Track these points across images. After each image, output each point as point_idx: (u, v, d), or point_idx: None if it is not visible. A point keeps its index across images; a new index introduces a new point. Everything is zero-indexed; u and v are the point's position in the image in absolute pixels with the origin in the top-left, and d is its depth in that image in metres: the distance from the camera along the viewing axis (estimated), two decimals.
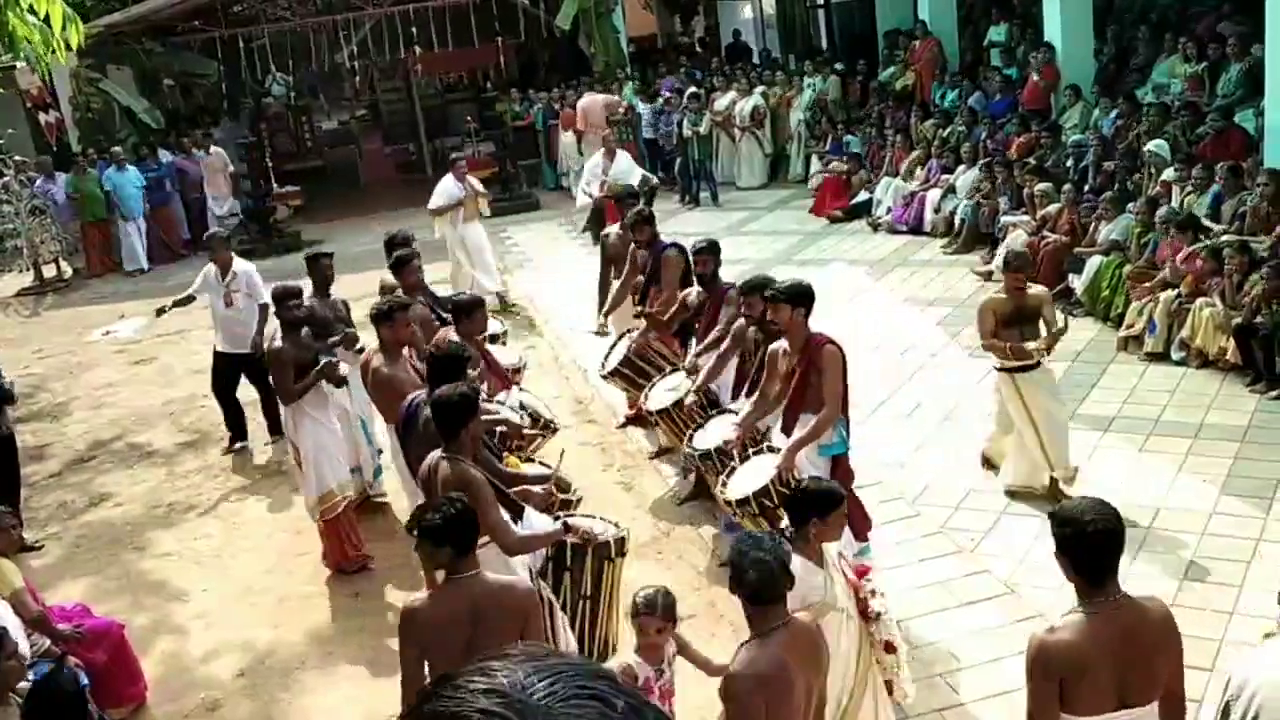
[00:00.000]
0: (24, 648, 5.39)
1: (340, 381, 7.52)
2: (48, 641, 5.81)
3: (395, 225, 17.90)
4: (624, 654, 4.86)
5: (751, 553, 3.81)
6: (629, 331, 8.21)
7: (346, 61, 20.79)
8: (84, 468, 9.90)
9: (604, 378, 8.25)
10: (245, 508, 8.80)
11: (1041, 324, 7.16)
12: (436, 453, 5.20)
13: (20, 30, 5.13)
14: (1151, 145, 11.40)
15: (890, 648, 4.68)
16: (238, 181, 18.19)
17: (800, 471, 5.73)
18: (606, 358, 8.19)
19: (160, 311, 10.25)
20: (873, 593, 4.72)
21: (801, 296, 5.94)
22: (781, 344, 6.17)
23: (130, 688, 6.23)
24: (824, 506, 4.50)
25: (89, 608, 6.47)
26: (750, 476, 5.86)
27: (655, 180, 13.03)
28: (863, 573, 4.85)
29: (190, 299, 9.92)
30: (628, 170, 13.01)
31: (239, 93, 22.28)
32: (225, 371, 9.70)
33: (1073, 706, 3.49)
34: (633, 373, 7.89)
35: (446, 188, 12.53)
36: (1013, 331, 7.11)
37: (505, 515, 5.14)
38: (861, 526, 6.06)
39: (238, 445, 9.77)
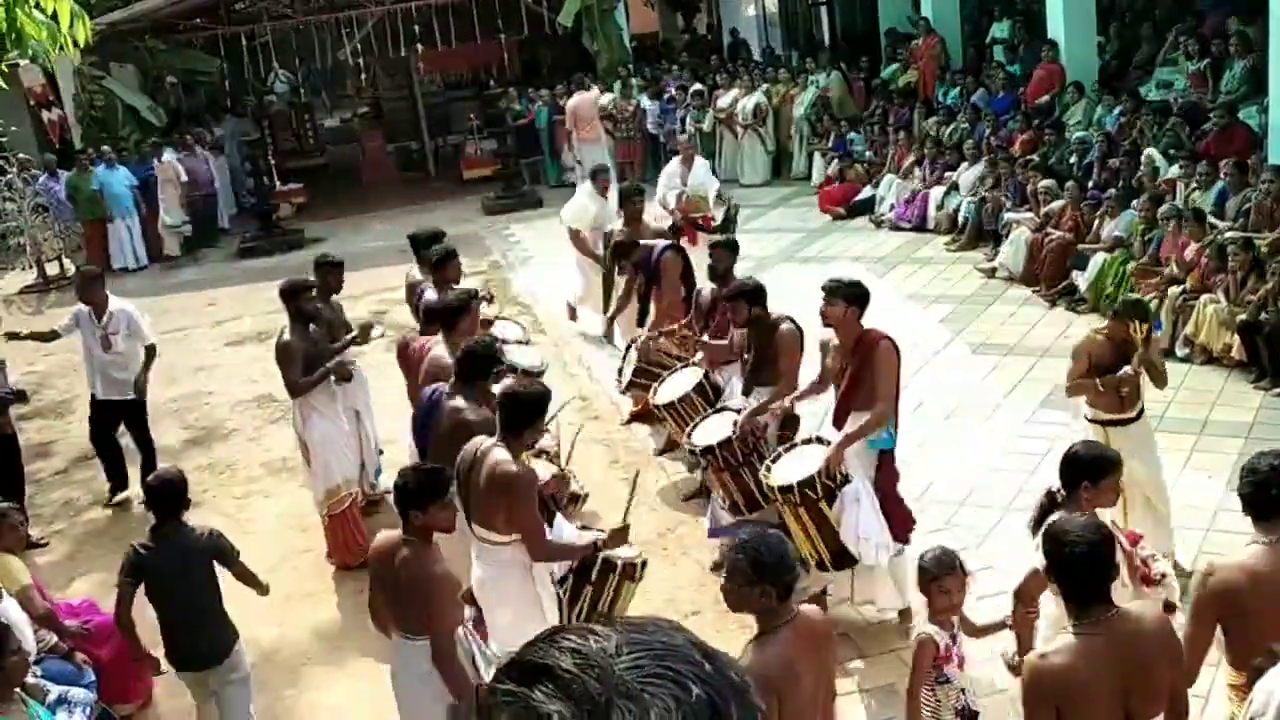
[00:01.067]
0: (30, 644, 5.40)
1: (347, 377, 7.53)
2: (54, 638, 5.82)
3: (397, 223, 18.03)
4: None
5: (768, 558, 3.73)
6: (634, 341, 8.21)
7: (349, 59, 20.75)
8: (88, 464, 9.90)
9: (623, 392, 8.31)
10: (250, 505, 8.81)
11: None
12: (484, 441, 5.12)
13: (28, 28, 5.13)
14: (1149, 152, 11.38)
15: (1170, 607, 4.54)
16: (239, 181, 18.17)
17: (845, 467, 5.71)
18: (620, 371, 8.23)
19: (11, 336, 9.30)
20: (1151, 556, 4.68)
21: (857, 296, 5.86)
22: (830, 338, 6.10)
23: (137, 683, 6.24)
24: (1096, 472, 4.43)
25: (95, 603, 6.48)
26: (795, 465, 5.82)
27: (731, 201, 11.65)
28: (1135, 540, 4.81)
29: (54, 335, 9.00)
30: (705, 179, 11.87)
31: (242, 90, 22.27)
32: (103, 420, 8.85)
33: None
34: (647, 380, 7.90)
35: (582, 202, 11.12)
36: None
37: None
38: (903, 528, 6.04)
39: (119, 496, 9.01)
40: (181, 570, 5.28)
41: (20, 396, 8.57)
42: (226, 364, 12.22)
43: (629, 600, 5.41)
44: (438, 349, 6.61)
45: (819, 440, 5.99)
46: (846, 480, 5.72)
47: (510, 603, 5.06)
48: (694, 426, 6.79)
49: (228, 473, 9.41)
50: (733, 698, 1.04)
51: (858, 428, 5.79)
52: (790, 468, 5.84)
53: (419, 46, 19.26)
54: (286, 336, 7.35)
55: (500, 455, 5.01)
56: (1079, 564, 3.45)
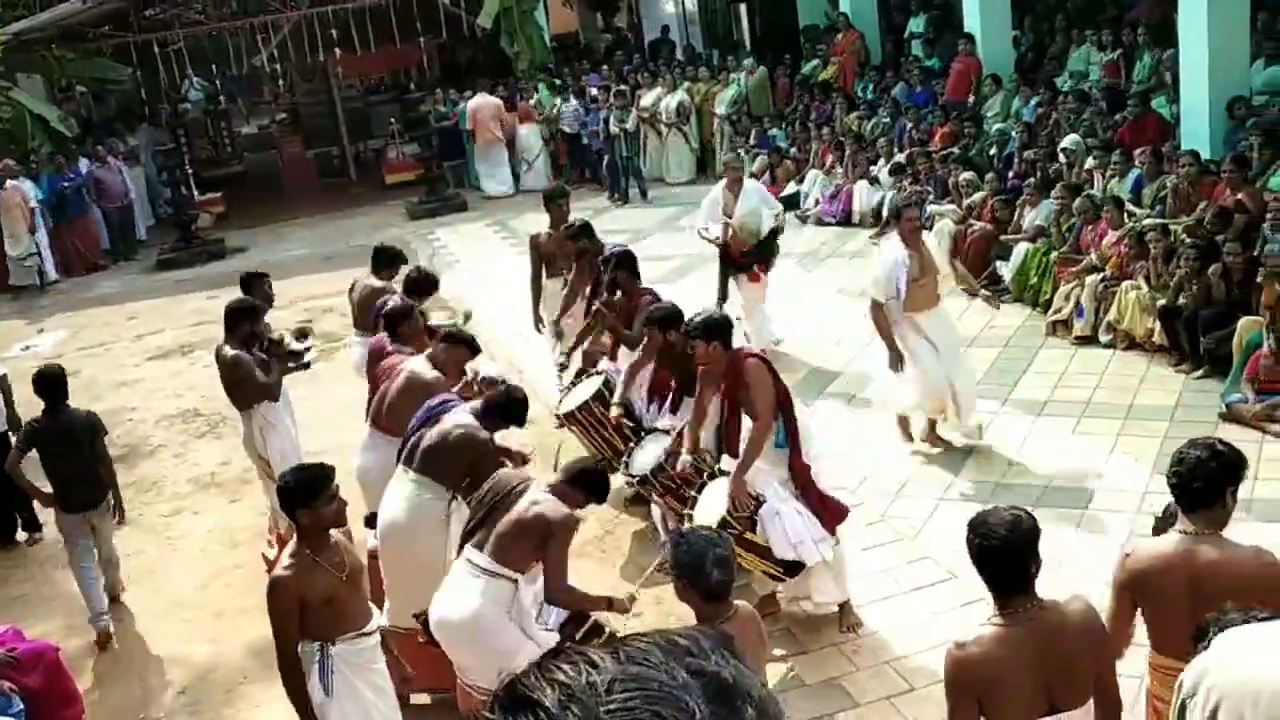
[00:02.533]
0: None
1: (305, 365, 7.49)
2: None
3: (319, 231, 17.83)
4: None
5: (712, 551, 3.80)
6: (580, 345, 8.14)
7: (265, 65, 20.41)
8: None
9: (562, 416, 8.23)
10: (179, 522, 8.62)
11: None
12: (524, 477, 5.21)
13: None
14: (1067, 141, 11.61)
15: None
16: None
17: (754, 489, 5.74)
18: (562, 367, 8.18)
19: None
20: None
21: (715, 330, 5.88)
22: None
23: (66, 710, 6.07)
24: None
25: (20, 631, 6.29)
26: (709, 506, 5.86)
27: (783, 220, 10.41)
28: None
29: None
30: (757, 208, 9.92)
31: (156, 99, 21.80)
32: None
33: (999, 717, 3.48)
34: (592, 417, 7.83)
35: (716, 196, 10.20)
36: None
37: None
38: (834, 519, 6.06)
39: (37, 536, 8.50)
40: (65, 438, 7.02)
41: None
42: (149, 378, 11.95)
43: None
44: (416, 365, 6.51)
45: (722, 473, 6.02)
46: (760, 501, 5.75)
47: (491, 629, 4.93)
48: (629, 453, 6.76)
49: (154, 490, 9.19)
50: None
51: (748, 448, 5.83)
52: (708, 505, 5.86)
53: (336, 51, 19.01)
54: (231, 350, 7.17)
55: (544, 498, 5.00)
56: (997, 556, 3.49)
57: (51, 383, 7.16)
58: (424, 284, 7.98)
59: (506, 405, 5.87)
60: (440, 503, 5.74)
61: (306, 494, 4.62)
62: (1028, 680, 3.44)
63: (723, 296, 10.02)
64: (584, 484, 5.16)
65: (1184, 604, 3.63)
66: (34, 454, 7.14)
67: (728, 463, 6.01)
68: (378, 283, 8.56)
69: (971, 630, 3.54)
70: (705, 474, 6.13)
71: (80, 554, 7.07)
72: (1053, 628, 3.47)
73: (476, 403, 5.89)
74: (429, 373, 6.39)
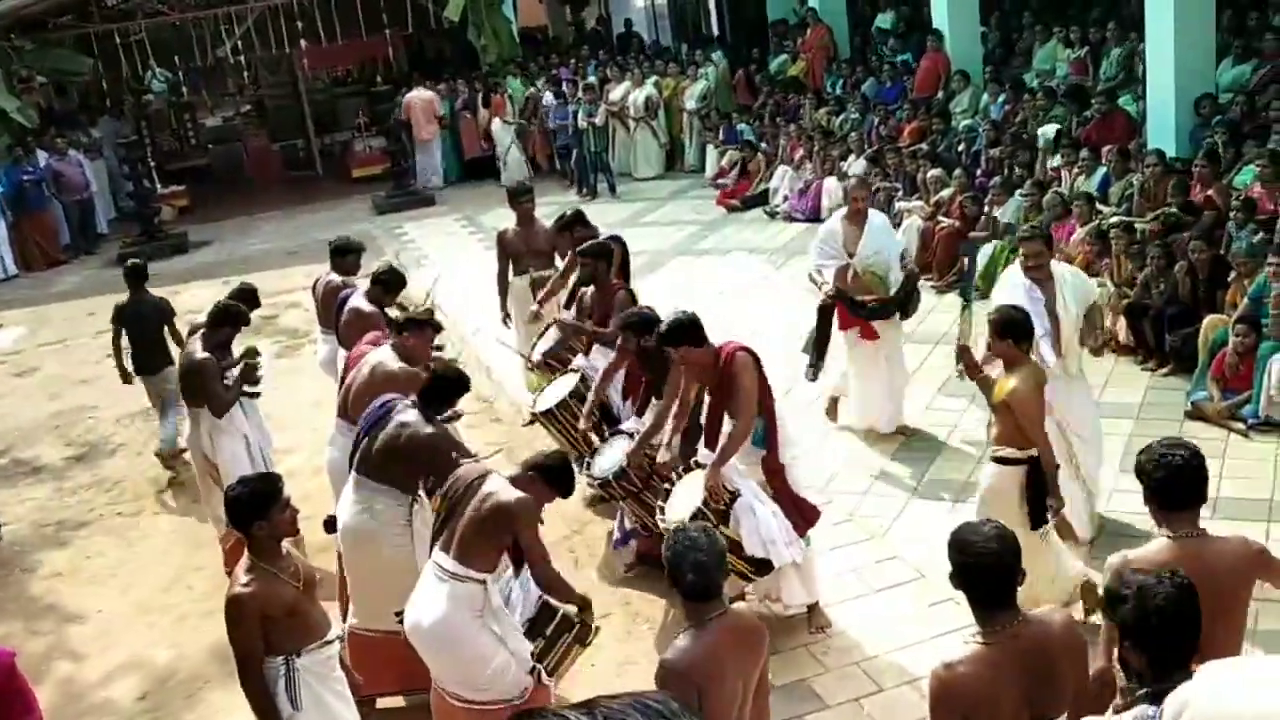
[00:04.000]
0: None
1: (255, 380, 7.34)
2: None
3: (284, 224, 17.66)
4: None
5: (690, 554, 3.77)
6: (555, 321, 8.07)
7: (230, 56, 20.16)
8: None
9: (531, 368, 8.13)
10: (139, 523, 8.50)
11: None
12: (480, 469, 5.11)
13: None
14: (1043, 130, 11.65)
15: None
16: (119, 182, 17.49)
17: (730, 482, 5.70)
18: (534, 346, 8.08)
19: None
20: None
21: (683, 332, 5.78)
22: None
23: (24, 718, 5.94)
24: None
25: None
26: (684, 498, 5.79)
27: (910, 263, 8.55)
28: None
29: None
30: (886, 244, 8.06)
31: (117, 90, 21.51)
32: None
33: None
34: (559, 364, 7.78)
35: (834, 229, 8.14)
36: None
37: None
38: (806, 521, 6.02)
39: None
40: (138, 317, 8.90)
41: None
42: (110, 375, 11.73)
43: (573, 663, 5.29)
44: (381, 356, 6.42)
45: (699, 465, 5.97)
46: (736, 496, 5.71)
47: (463, 637, 4.85)
48: (593, 456, 6.70)
49: (115, 489, 9.06)
50: None
51: (727, 442, 5.78)
52: (681, 501, 5.81)
53: (302, 43, 18.82)
54: (202, 354, 7.06)
55: (496, 486, 4.91)
56: (988, 573, 3.45)
57: (136, 271, 9.09)
58: (392, 281, 7.86)
59: (441, 386, 5.74)
60: (399, 508, 5.66)
61: (259, 506, 4.50)
62: (1013, 696, 3.40)
63: (818, 359, 8.34)
64: (546, 476, 5.04)
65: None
66: None
67: (704, 455, 5.96)
68: (337, 279, 8.47)
69: (956, 650, 3.49)
70: (680, 469, 6.07)
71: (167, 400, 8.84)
72: (1038, 642, 3.44)
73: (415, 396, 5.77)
74: (394, 363, 6.31)
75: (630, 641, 6.22)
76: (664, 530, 5.66)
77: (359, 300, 7.63)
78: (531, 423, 9.10)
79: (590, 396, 6.99)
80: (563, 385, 7.25)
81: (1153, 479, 3.79)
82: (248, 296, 7.92)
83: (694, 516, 5.48)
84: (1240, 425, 7.59)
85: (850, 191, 8.65)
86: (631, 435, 6.51)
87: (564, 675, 5.20)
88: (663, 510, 5.83)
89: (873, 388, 8.21)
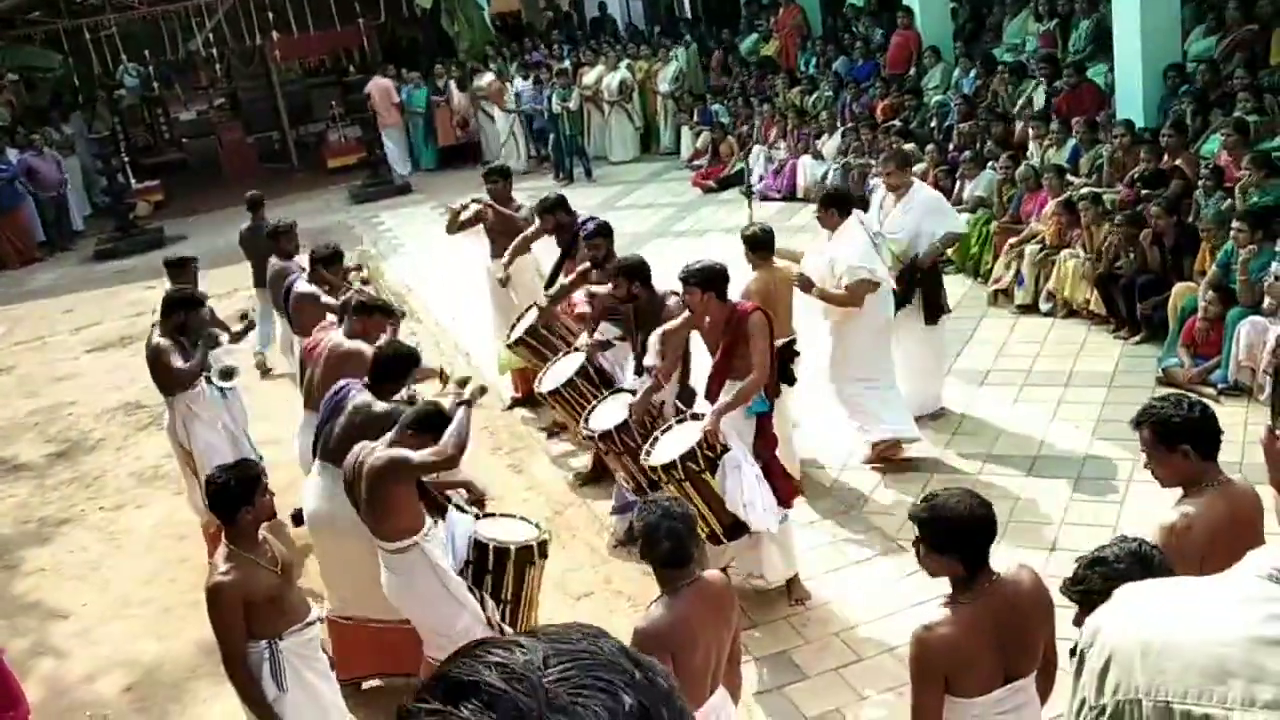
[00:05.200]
0: None
1: (215, 343, 7.40)
2: None
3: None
4: None
5: (664, 523, 3.85)
6: (535, 304, 8.10)
7: (201, 50, 20.05)
8: None
9: (509, 346, 8.15)
10: (121, 517, 8.50)
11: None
12: (367, 445, 5.13)
13: None
14: (1036, 95, 11.76)
15: None
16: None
17: (723, 436, 5.73)
18: (513, 327, 8.10)
19: None
20: None
21: (711, 278, 5.86)
22: (676, 324, 6.18)
23: (11, 711, 5.97)
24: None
25: None
26: (674, 443, 5.82)
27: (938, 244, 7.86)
28: None
29: None
30: (909, 225, 7.70)
31: (89, 86, 21.38)
32: None
33: (961, 691, 3.52)
34: (536, 344, 7.81)
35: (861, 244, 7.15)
36: None
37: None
38: (786, 494, 6.08)
39: None
40: (257, 239, 10.11)
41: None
42: (89, 371, 11.76)
43: (538, 586, 5.37)
44: (334, 339, 6.50)
45: (694, 417, 6.01)
46: (726, 449, 5.74)
47: (427, 602, 5.00)
48: (589, 411, 6.71)
49: (96, 485, 9.06)
50: (663, 703, 1.03)
51: (734, 394, 5.82)
52: (669, 446, 5.84)
53: (274, 34, 18.74)
54: (159, 339, 7.05)
55: (366, 455, 4.98)
56: (976, 534, 3.50)
57: (256, 201, 10.83)
58: (327, 257, 8.10)
59: (385, 363, 5.77)
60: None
61: (246, 493, 4.56)
62: (990, 654, 3.48)
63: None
64: (415, 425, 5.08)
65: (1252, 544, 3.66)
66: None
67: (705, 407, 5.97)
68: (278, 263, 8.75)
69: (935, 611, 3.55)
70: (675, 420, 6.10)
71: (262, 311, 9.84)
72: (1010, 599, 3.52)
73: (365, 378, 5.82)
74: (348, 343, 6.39)
75: (611, 619, 6.26)
76: (649, 469, 5.72)
77: (300, 284, 7.74)
78: (511, 407, 9.18)
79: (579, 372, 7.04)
80: (568, 364, 7.25)
81: (1196, 428, 3.84)
82: (173, 266, 8.27)
83: (684, 457, 5.53)
84: (1211, 390, 7.67)
85: (887, 177, 8.08)
86: (632, 392, 6.53)
87: (535, 602, 5.33)
88: (648, 454, 5.84)
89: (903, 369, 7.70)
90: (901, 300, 7.57)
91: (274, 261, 8.80)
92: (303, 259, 8.79)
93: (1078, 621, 3.34)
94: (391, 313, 6.95)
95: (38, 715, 6.14)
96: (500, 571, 5.26)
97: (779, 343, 6.34)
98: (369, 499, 4.95)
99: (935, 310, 7.84)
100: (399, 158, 18.93)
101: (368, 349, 6.21)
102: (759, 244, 7.02)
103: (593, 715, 0.97)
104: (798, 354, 7.12)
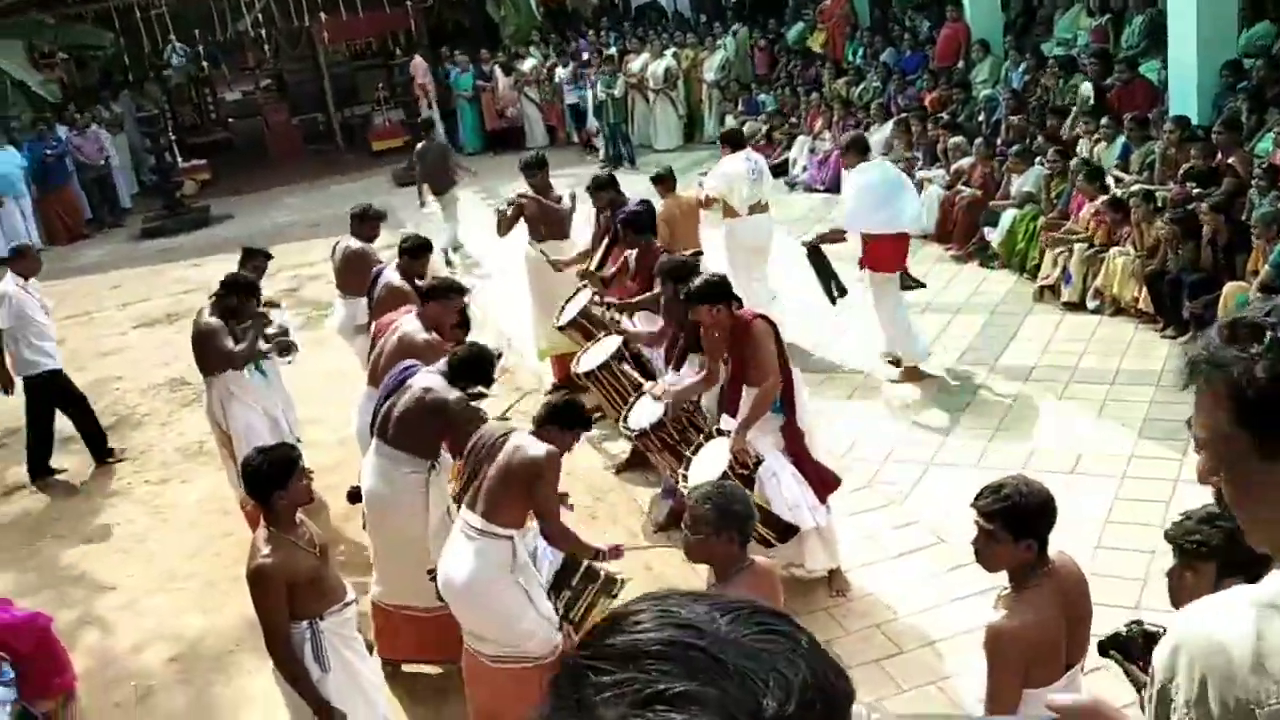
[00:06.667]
0: None
1: (287, 349, 7.44)
2: None
3: (305, 198, 17.75)
4: None
5: (735, 506, 3.96)
6: (585, 286, 8.14)
7: (250, 30, 20.20)
8: None
9: (559, 328, 8.19)
10: (166, 491, 8.61)
11: None
12: (505, 427, 5.17)
13: None
14: (1084, 87, 11.64)
15: None
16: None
17: (753, 449, 5.75)
18: (562, 310, 8.14)
19: None
20: None
21: (715, 293, 5.85)
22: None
23: (57, 678, 6.06)
24: None
25: (10, 601, 6.27)
26: (707, 464, 5.84)
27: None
28: None
29: None
30: (867, 200, 8.53)
31: (138, 65, 21.59)
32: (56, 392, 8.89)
33: (1037, 680, 3.47)
34: (588, 325, 7.84)
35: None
36: None
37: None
38: (825, 488, 6.06)
39: (119, 454, 9.23)
40: (430, 153, 13.01)
41: None
42: (135, 347, 11.91)
43: (600, 616, 5.36)
44: (409, 325, 6.48)
45: (720, 433, 6.02)
46: (760, 461, 5.76)
47: (497, 593, 4.92)
48: (629, 408, 6.75)
49: (142, 459, 9.18)
50: (820, 647, 0.99)
51: (750, 409, 5.83)
52: (704, 467, 5.86)
53: (322, 15, 18.84)
54: (209, 319, 7.12)
55: (523, 440, 4.96)
56: (1053, 514, 3.49)
57: (429, 122, 12.30)
58: (417, 247, 7.86)
59: (472, 362, 5.74)
60: (418, 474, 5.70)
61: (279, 477, 4.56)
62: (1057, 640, 3.47)
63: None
64: (559, 419, 5.08)
65: None
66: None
67: (727, 423, 6.01)
68: (357, 244, 8.59)
69: (1005, 602, 3.51)
70: (703, 435, 6.13)
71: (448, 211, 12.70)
72: (1066, 584, 3.51)
73: (442, 364, 5.82)
74: (420, 334, 6.38)
75: None
76: (684, 493, 5.73)
77: (390, 274, 7.65)
78: (550, 393, 9.21)
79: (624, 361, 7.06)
80: (606, 347, 7.29)
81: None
82: (246, 254, 8.17)
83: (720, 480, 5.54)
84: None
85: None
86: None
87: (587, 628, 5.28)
88: (685, 477, 5.89)
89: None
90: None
91: (352, 243, 8.62)
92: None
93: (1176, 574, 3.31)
94: (464, 291, 6.93)
95: (84, 684, 6.23)
96: (581, 590, 5.22)
97: (687, 253, 7.46)
98: (505, 480, 4.90)
99: (828, 291, 8.75)
100: None
101: (437, 340, 6.25)
102: (660, 179, 9.29)
103: (782, 659, 0.92)
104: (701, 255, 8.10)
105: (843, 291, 8.73)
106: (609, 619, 0.98)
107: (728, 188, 9.18)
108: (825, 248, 8.75)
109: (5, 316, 8.50)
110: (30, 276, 8.83)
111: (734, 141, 9.74)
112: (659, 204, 8.75)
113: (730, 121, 16.69)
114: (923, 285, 8.98)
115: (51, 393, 8.77)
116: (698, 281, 5.97)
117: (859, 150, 8.77)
